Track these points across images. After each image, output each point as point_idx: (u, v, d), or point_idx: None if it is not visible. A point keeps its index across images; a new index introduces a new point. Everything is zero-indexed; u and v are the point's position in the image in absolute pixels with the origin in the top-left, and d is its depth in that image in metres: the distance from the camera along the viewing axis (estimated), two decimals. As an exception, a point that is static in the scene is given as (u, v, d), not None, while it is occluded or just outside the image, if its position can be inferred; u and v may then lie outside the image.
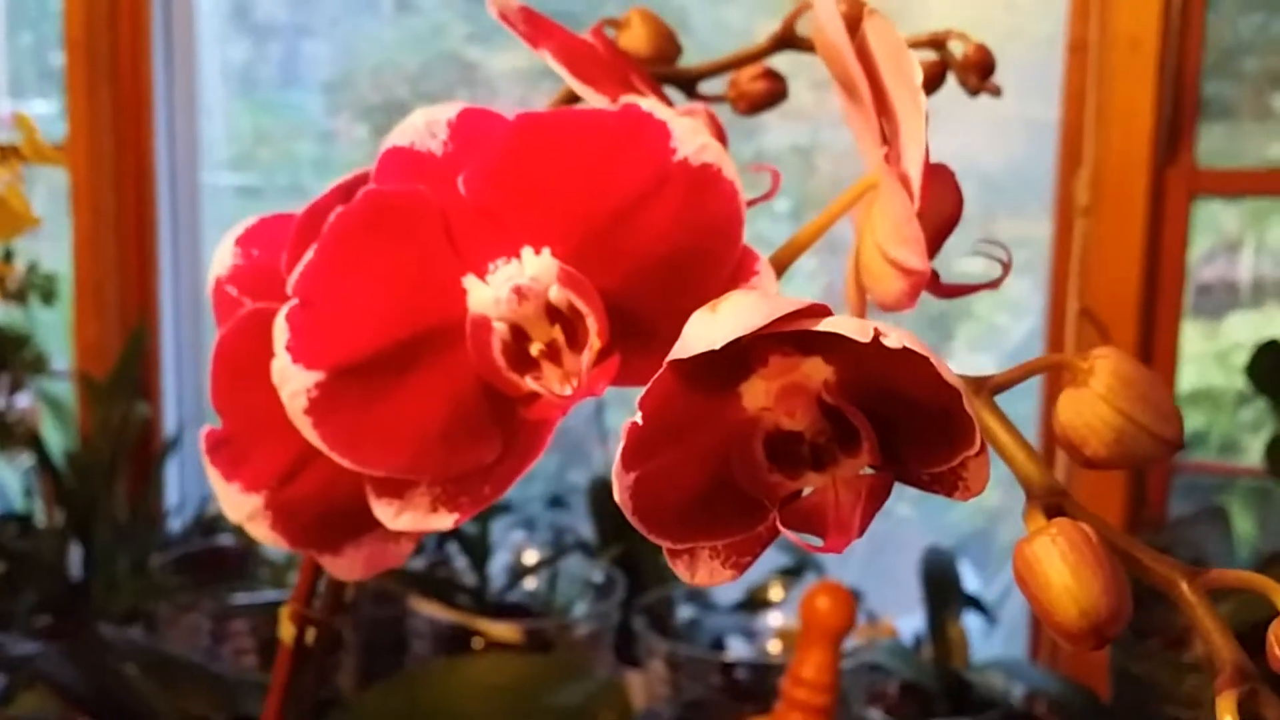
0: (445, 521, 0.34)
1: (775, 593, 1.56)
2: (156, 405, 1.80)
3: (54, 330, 1.78)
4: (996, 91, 0.44)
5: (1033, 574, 0.26)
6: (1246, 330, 1.61)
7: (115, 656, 1.05)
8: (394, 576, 1.47)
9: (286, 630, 0.54)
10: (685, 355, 0.27)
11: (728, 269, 0.33)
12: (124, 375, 1.64)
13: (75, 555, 1.59)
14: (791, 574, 1.57)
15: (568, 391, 0.33)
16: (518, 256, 0.33)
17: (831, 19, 0.35)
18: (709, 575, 0.30)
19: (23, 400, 1.68)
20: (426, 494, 0.34)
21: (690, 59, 0.48)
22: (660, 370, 0.27)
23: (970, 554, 1.66)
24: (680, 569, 0.30)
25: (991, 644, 1.58)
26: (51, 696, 0.98)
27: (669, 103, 0.43)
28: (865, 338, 0.26)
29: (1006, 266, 0.37)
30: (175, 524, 1.72)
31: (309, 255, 0.33)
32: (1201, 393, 1.70)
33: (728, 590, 1.59)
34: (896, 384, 0.27)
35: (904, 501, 1.98)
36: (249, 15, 2.04)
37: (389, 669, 1.43)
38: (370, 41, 2.01)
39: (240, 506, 0.38)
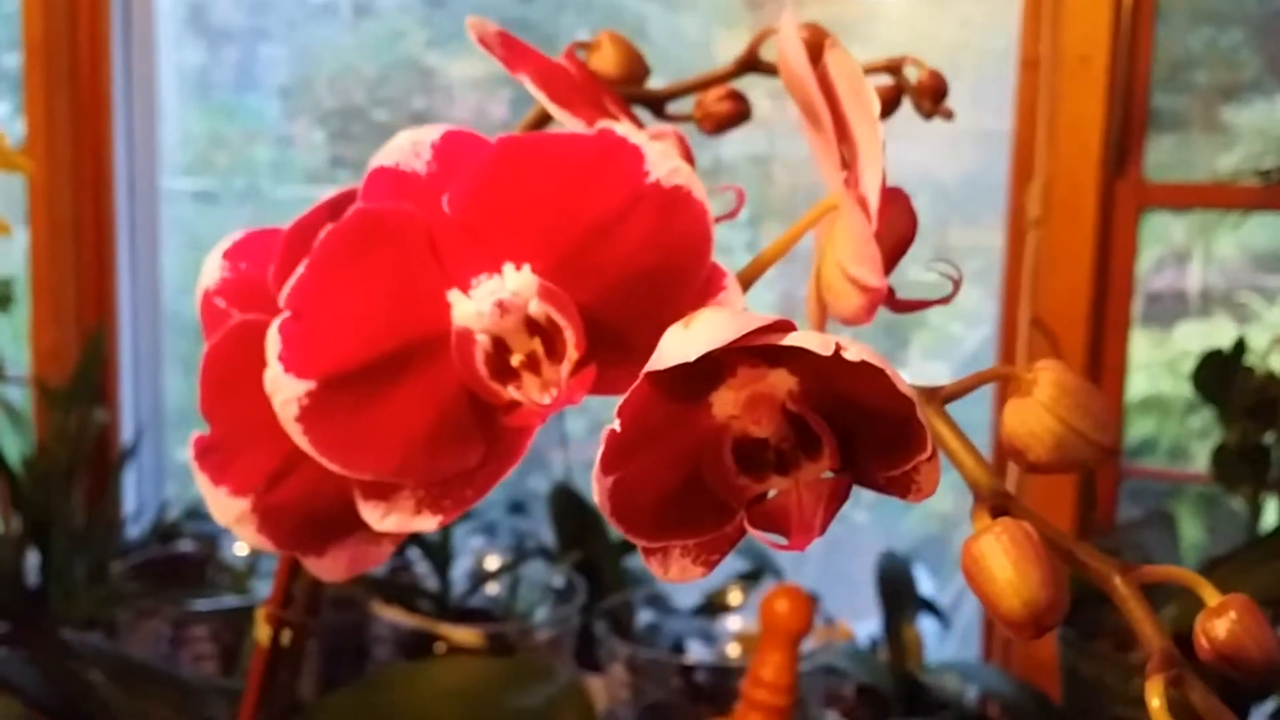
0: (429, 523, 0.35)
1: (734, 597, 1.58)
2: (114, 412, 1.80)
3: (11, 336, 1.77)
4: (949, 115, 0.46)
5: (979, 568, 0.28)
6: (1195, 339, 1.65)
7: (78, 661, 1.06)
8: (355, 582, 1.48)
9: (263, 631, 0.55)
10: (661, 367, 0.29)
11: (697, 284, 0.35)
12: (82, 381, 1.64)
13: (32, 562, 1.59)
14: (750, 578, 1.59)
15: (547, 400, 0.35)
16: (499, 272, 0.35)
17: (796, 51, 0.37)
18: (681, 572, 0.32)
19: (-21, 406, 1.68)
20: (411, 497, 0.36)
21: (649, 67, 0.50)
22: (637, 380, 0.29)
23: (925, 559, 1.68)
24: (654, 566, 0.32)
25: (946, 646, 1.61)
26: (13, 702, 0.99)
27: (639, 124, 0.45)
28: (827, 352, 0.28)
29: (957, 283, 0.39)
30: (133, 530, 1.72)
31: (300, 269, 0.35)
32: (1152, 400, 1.74)
33: (687, 594, 1.61)
34: (855, 394, 0.30)
35: (860, 508, 2.00)
36: (205, 19, 2.03)
37: (351, 675, 1.44)
38: (328, 47, 2.01)
39: (228, 510, 0.40)
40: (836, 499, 0.31)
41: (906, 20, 1.77)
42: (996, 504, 0.30)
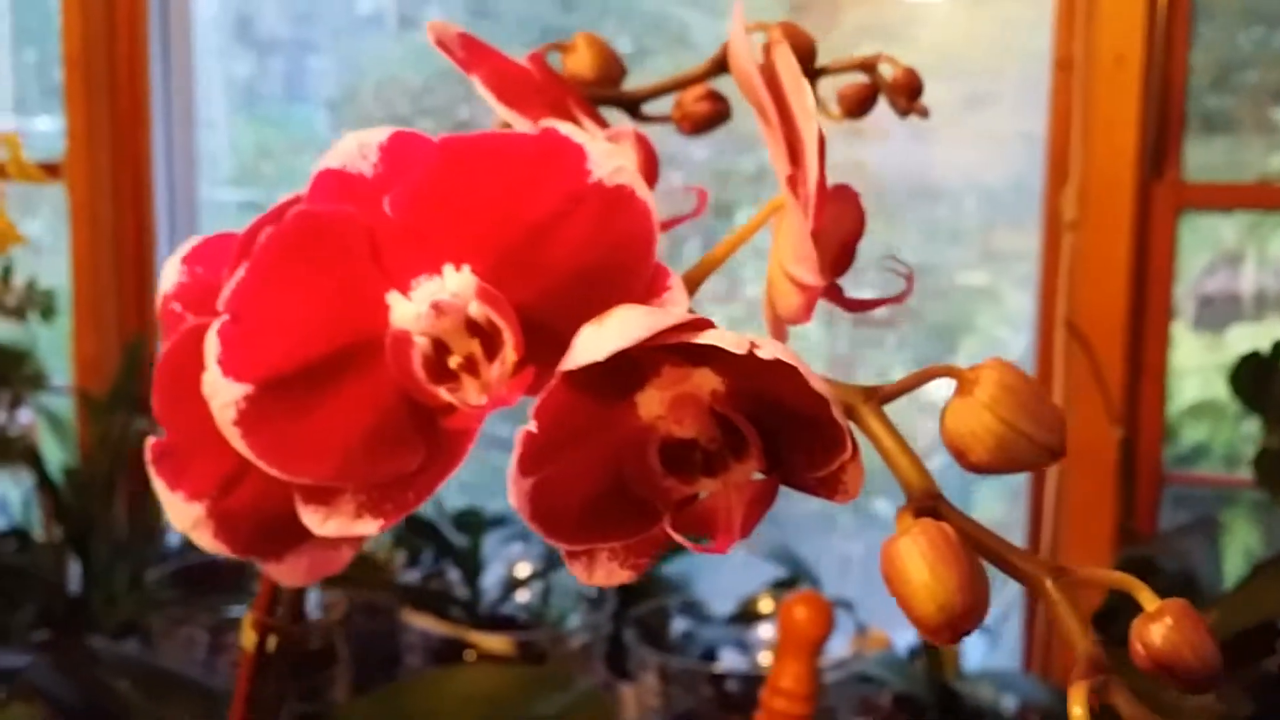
0: (370, 527, 0.35)
1: (768, 605, 1.57)
2: (155, 421, 1.81)
3: (53, 346, 1.80)
4: (924, 113, 0.45)
5: (895, 570, 0.27)
6: (1248, 342, 1.62)
7: (105, 669, 1.07)
8: (387, 590, 1.48)
9: (248, 638, 0.55)
10: (573, 366, 0.28)
11: (641, 285, 0.35)
12: (122, 390, 1.65)
13: (74, 570, 1.61)
14: (785, 586, 1.58)
15: (483, 402, 0.34)
16: (440, 273, 0.35)
17: (742, 47, 0.36)
18: (606, 576, 0.31)
19: (22, 416, 1.70)
20: (352, 501, 0.35)
21: (625, 69, 0.49)
22: (554, 380, 0.29)
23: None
24: (578, 570, 0.31)
25: (987, 656, 1.59)
26: (40, 707, 1.00)
27: (605, 125, 0.44)
28: (742, 350, 0.27)
29: (909, 279, 0.38)
30: (174, 538, 1.74)
31: (240, 272, 0.35)
32: (1204, 405, 1.71)
33: (721, 603, 1.60)
34: (779, 393, 0.29)
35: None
36: (252, 31, 2.06)
37: (382, 683, 1.44)
38: (374, 57, 2.03)
39: (184, 515, 0.40)
40: (762, 501, 0.30)
41: (948, 23, 1.76)
42: (925, 505, 0.29)
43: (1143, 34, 1.38)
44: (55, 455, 1.68)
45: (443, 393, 0.34)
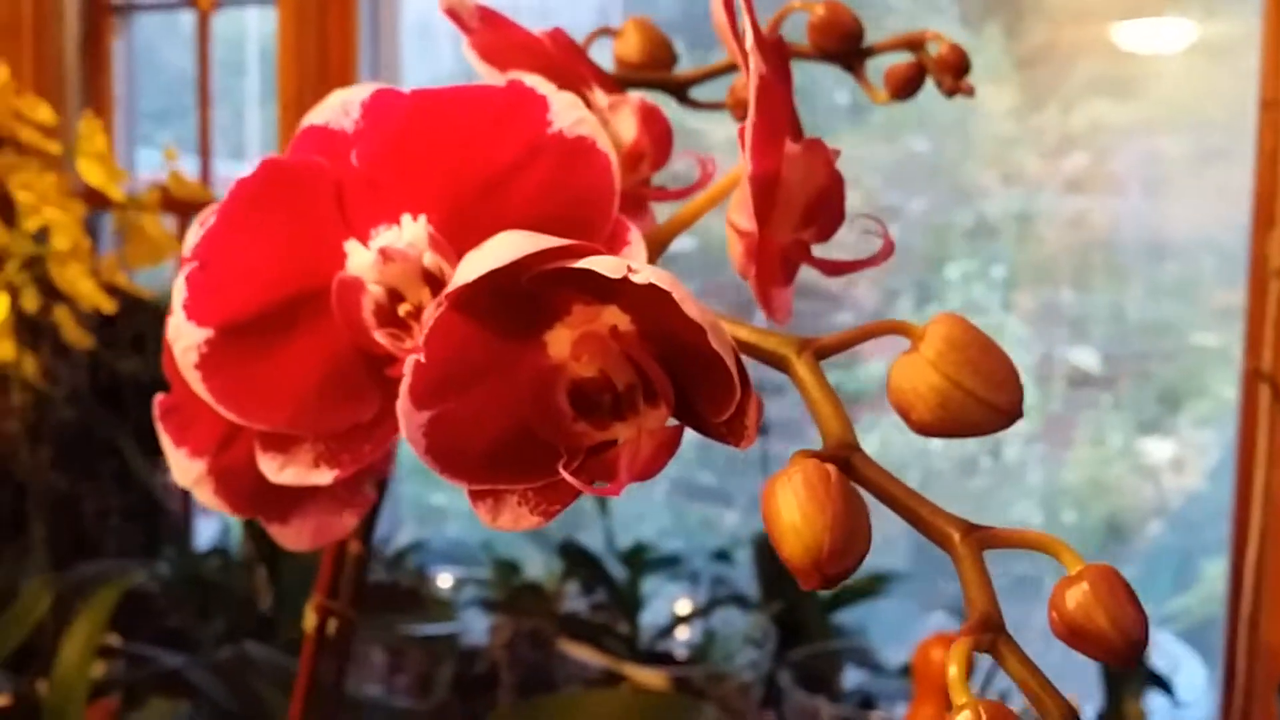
0: (325, 477, 0.35)
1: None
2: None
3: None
4: (970, 91, 0.43)
5: (769, 509, 0.26)
6: None
7: (258, 674, 1.11)
8: (550, 619, 1.49)
9: (309, 620, 0.56)
10: (452, 289, 0.28)
11: (601, 239, 0.34)
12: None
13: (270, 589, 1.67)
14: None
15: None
16: (398, 223, 0.35)
17: (717, 4, 0.35)
18: (514, 520, 0.30)
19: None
20: (310, 451, 0.35)
21: (675, 54, 0.49)
22: (441, 309, 0.28)
23: (1200, 645, 1.56)
24: (482, 512, 0.30)
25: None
26: (182, 703, 1.04)
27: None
28: (618, 275, 0.26)
29: (887, 238, 0.36)
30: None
31: (209, 220, 0.35)
32: None
33: (895, 653, 1.56)
34: (682, 332, 0.28)
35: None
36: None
37: (539, 709, 1.45)
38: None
39: (187, 471, 0.40)
40: (667, 447, 0.29)
41: (1181, 76, 1.69)
42: (838, 455, 0.27)
43: (1352, 67, 1.30)
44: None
45: (378, 336, 0.34)
